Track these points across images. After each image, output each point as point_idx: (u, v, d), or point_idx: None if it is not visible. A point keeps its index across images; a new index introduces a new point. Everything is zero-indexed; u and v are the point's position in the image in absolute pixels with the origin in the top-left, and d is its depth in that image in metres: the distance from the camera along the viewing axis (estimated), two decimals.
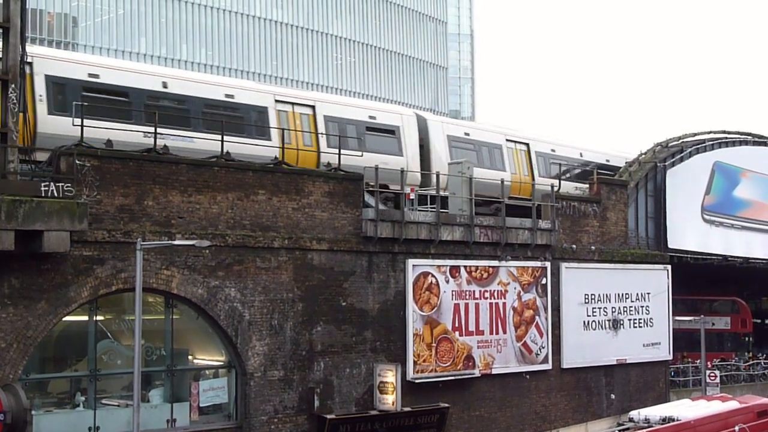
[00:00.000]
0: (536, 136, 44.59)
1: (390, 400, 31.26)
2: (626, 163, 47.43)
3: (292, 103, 33.42)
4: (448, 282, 33.97)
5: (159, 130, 27.87)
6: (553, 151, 44.15)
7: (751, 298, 64.86)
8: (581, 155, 46.16)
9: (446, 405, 33.29)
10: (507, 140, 41.66)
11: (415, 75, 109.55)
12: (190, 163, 27.94)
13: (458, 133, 39.56)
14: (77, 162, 25.30)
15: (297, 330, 29.77)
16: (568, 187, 42.66)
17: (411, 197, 34.62)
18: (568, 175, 44.55)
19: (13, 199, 23.21)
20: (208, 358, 29.62)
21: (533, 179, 41.47)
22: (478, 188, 35.66)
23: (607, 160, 47.42)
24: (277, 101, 32.84)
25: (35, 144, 26.76)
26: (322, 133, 33.34)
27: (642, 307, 42.13)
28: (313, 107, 33.94)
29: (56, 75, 27.66)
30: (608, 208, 41.51)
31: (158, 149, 27.78)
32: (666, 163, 47.00)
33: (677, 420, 30.79)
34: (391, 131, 36.27)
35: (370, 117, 35.95)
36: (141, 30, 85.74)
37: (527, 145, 42.78)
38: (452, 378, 33.84)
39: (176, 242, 25.37)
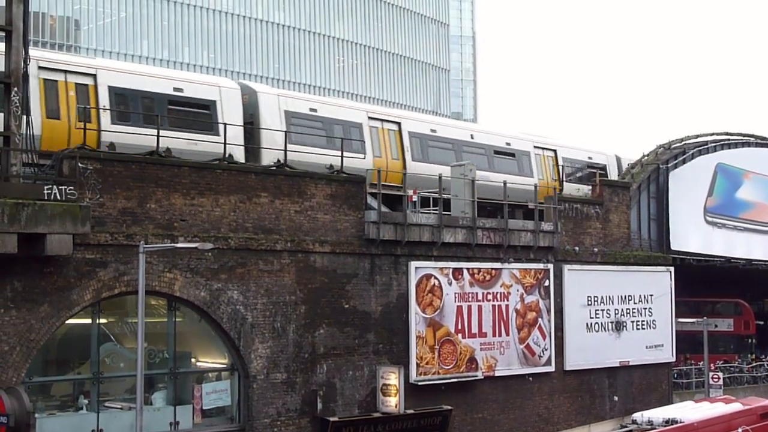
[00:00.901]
0: (409, 115, 41.94)
1: (393, 402, 31.24)
2: (629, 165, 47.42)
3: None
4: (450, 284, 33.95)
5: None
6: (433, 131, 38.45)
7: (753, 299, 64.79)
8: (472, 137, 40.80)
9: (449, 407, 33.27)
10: (370, 118, 36.02)
11: (417, 77, 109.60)
12: (193, 166, 27.95)
13: (302, 109, 34.07)
14: (80, 165, 25.32)
15: (300, 332, 29.76)
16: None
17: (413, 199, 34.61)
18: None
19: (16, 202, 23.21)
20: (210, 360, 29.62)
21: (404, 164, 36.22)
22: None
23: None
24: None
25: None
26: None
27: (645, 309, 42.08)
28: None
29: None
30: (611, 210, 41.49)
31: (161, 152, 27.85)
32: (668, 165, 46.98)
33: (680, 422, 30.73)
34: (205, 106, 31.08)
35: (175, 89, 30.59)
36: (143, 33, 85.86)
37: (398, 124, 36.93)
38: (455, 380, 33.82)
39: (179, 245, 25.37)
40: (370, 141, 35.25)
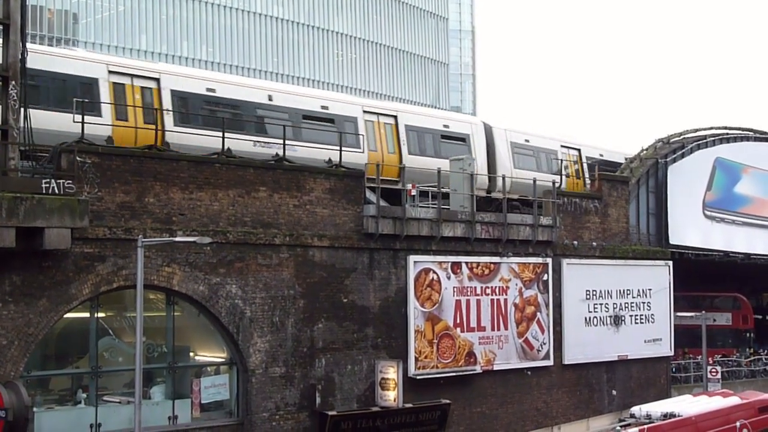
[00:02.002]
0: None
1: (391, 396, 31.26)
2: (626, 159, 47.41)
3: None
4: (449, 278, 33.96)
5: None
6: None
7: (752, 294, 64.94)
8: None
9: (448, 401, 33.30)
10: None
11: (416, 71, 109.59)
12: (191, 160, 27.93)
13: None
14: (78, 159, 25.29)
15: (298, 327, 29.76)
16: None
17: (412, 194, 34.61)
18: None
19: (14, 197, 23.19)
20: (209, 355, 29.62)
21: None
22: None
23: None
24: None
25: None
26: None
27: (643, 303, 42.12)
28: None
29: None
30: (609, 204, 41.50)
31: (159, 147, 27.85)
32: (667, 159, 46.98)
33: (679, 416, 30.78)
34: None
35: (444, 126, 38.32)
36: (141, 27, 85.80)
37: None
38: (454, 374, 33.84)
39: (177, 239, 25.39)
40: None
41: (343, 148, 32.57)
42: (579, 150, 44.89)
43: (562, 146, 43.81)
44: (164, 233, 26.52)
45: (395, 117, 36.62)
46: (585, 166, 44.63)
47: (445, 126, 38.51)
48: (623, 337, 40.95)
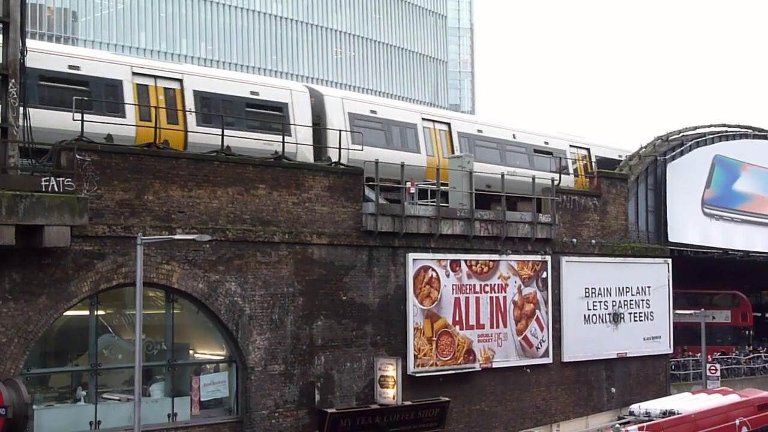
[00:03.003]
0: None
1: (391, 394, 31.28)
2: (627, 156, 47.43)
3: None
4: (448, 276, 33.98)
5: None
6: None
7: (751, 291, 64.95)
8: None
9: (447, 399, 33.32)
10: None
11: (414, 69, 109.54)
12: (190, 158, 27.96)
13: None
14: (77, 157, 25.31)
15: (297, 324, 29.78)
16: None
17: (411, 191, 34.61)
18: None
19: (13, 194, 23.21)
20: (208, 352, 29.64)
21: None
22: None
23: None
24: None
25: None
26: None
27: (642, 300, 42.14)
28: None
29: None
30: (608, 201, 41.52)
31: (159, 144, 27.87)
32: (666, 157, 46.98)
33: (678, 413, 30.81)
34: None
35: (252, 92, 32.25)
36: (141, 25, 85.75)
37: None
38: (453, 372, 33.87)
39: (176, 237, 25.40)
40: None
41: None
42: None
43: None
44: (163, 231, 26.54)
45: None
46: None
47: (253, 93, 32.23)
48: (622, 335, 40.96)
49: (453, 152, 37.25)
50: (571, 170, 42.63)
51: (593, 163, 44.80)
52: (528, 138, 42.12)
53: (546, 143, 43.01)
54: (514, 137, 41.21)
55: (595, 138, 48.39)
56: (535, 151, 42.21)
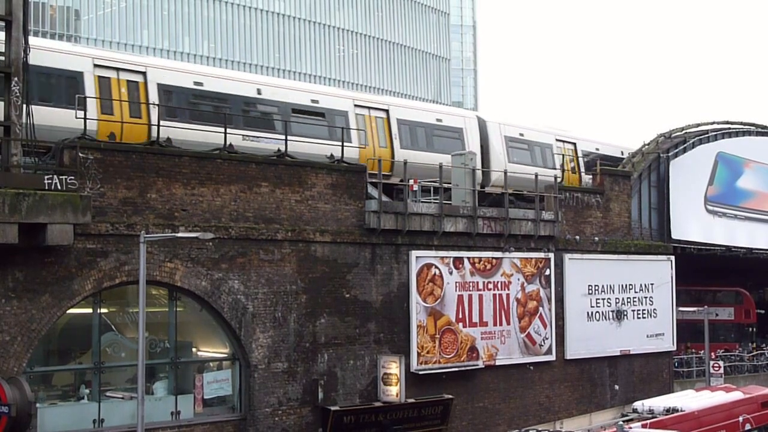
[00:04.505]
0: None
1: (394, 391, 31.28)
2: (630, 154, 47.38)
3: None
4: (451, 273, 33.96)
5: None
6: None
7: (754, 288, 64.83)
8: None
9: (450, 396, 33.32)
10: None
11: (417, 66, 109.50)
12: (193, 156, 27.95)
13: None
14: (80, 155, 25.31)
15: (301, 322, 29.78)
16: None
17: (414, 188, 34.61)
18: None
19: (16, 193, 23.21)
20: (211, 350, 29.65)
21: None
22: None
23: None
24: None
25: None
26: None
27: (645, 297, 42.11)
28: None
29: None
30: (611, 199, 41.49)
31: (161, 142, 27.86)
32: (669, 154, 46.94)
33: (681, 411, 30.72)
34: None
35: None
36: (143, 22, 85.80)
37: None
38: (456, 369, 33.86)
39: (180, 235, 25.38)
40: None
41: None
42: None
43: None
44: (166, 229, 26.53)
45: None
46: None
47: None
48: (625, 332, 40.94)
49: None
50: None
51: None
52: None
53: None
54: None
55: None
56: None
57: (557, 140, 43.73)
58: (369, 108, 35.74)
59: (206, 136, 29.33)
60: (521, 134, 41.60)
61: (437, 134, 37.64)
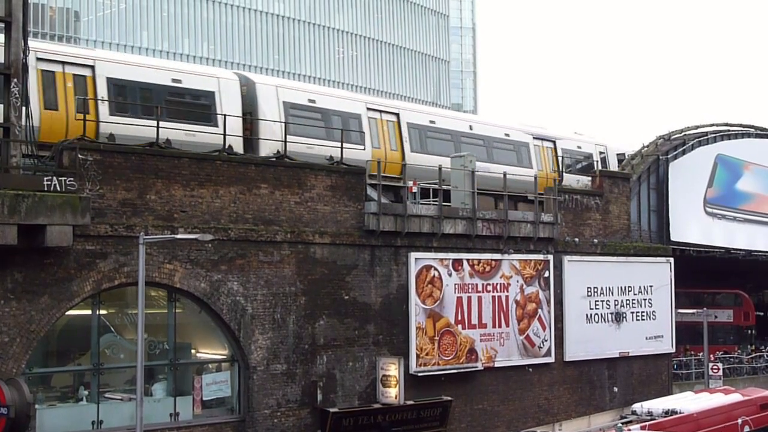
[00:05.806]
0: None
1: (393, 393, 31.28)
2: (629, 155, 47.39)
3: None
4: (450, 275, 33.97)
5: None
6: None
7: (753, 290, 64.86)
8: None
9: (449, 398, 33.32)
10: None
11: (417, 68, 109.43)
12: (192, 157, 27.94)
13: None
14: (80, 156, 25.31)
15: (300, 324, 29.78)
16: None
17: (413, 190, 34.61)
18: None
19: (15, 194, 23.21)
20: (210, 351, 29.65)
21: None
22: None
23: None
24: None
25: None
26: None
27: (645, 300, 42.12)
28: None
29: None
30: (611, 201, 41.50)
31: (160, 143, 27.85)
32: (668, 156, 46.96)
33: (680, 413, 30.71)
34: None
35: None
36: (143, 24, 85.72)
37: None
38: (455, 371, 33.86)
39: (179, 236, 25.39)
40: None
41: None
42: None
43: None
44: (166, 230, 26.54)
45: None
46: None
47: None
48: (624, 334, 40.96)
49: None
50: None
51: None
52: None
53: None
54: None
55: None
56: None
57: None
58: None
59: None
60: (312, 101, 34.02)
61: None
